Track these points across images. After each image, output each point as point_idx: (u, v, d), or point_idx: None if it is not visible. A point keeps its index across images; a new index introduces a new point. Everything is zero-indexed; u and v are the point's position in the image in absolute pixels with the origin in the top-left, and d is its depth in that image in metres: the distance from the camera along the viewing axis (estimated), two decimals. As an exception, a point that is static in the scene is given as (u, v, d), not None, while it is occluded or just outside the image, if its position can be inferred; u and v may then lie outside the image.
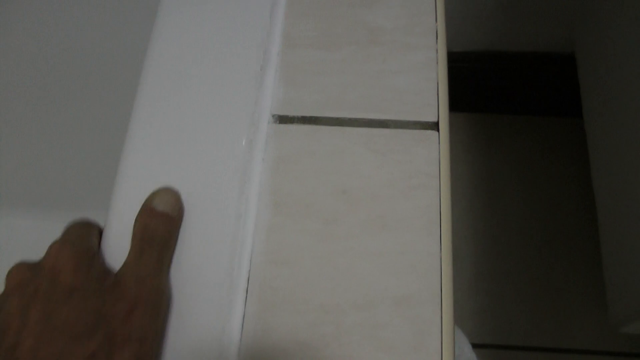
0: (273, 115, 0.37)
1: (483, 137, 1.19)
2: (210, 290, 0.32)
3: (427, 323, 0.32)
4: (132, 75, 0.55)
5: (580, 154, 0.97)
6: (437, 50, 0.41)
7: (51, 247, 0.32)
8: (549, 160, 1.16)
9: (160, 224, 0.33)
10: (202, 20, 0.41)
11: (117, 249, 0.33)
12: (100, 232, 0.35)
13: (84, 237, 0.33)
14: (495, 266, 1.10)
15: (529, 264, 1.09)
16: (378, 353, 0.32)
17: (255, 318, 0.32)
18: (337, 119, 0.37)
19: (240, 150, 0.36)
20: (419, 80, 0.39)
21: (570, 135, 1.15)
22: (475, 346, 0.96)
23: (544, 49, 1.04)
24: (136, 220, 0.33)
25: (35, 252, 0.36)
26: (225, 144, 0.36)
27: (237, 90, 0.38)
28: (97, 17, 0.59)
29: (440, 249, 0.34)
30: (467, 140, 1.18)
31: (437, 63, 0.40)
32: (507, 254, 1.10)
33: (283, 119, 0.37)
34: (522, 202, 1.14)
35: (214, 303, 0.32)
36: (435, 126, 0.38)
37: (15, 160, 0.54)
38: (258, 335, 0.32)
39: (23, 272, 0.31)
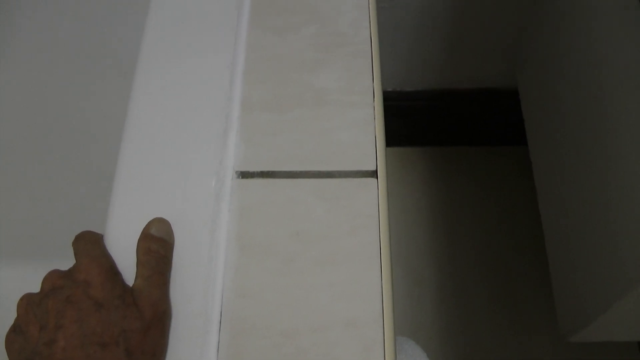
0: (236, 172, 0.44)
1: (439, 168, 1.27)
2: (188, 322, 0.39)
3: (372, 341, 0.39)
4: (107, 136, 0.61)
5: (527, 178, 1.05)
6: (374, 107, 0.48)
7: (81, 261, 0.38)
8: (500, 186, 1.25)
9: (160, 248, 0.40)
10: (172, 90, 0.47)
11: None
12: None
13: (107, 254, 0.40)
14: (456, 288, 1.17)
15: (487, 284, 1.17)
16: (331, 368, 0.38)
17: (228, 344, 0.39)
18: (290, 172, 0.44)
19: (209, 203, 0.42)
20: (359, 135, 0.46)
21: (517, 162, 1.23)
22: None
23: (490, 85, 1.14)
24: (138, 244, 0.40)
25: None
26: (197, 199, 0.43)
27: (205, 152, 0.44)
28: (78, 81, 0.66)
29: (381, 278, 0.41)
30: (425, 172, 1.26)
31: (374, 119, 0.47)
32: (466, 276, 1.18)
33: (244, 174, 0.44)
34: (478, 226, 1.22)
35: (193, 333, 0.39)
36: (374, 174, 0.45)
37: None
38: (231, 358, 0.38)
39: (57, 279, 0.37)
